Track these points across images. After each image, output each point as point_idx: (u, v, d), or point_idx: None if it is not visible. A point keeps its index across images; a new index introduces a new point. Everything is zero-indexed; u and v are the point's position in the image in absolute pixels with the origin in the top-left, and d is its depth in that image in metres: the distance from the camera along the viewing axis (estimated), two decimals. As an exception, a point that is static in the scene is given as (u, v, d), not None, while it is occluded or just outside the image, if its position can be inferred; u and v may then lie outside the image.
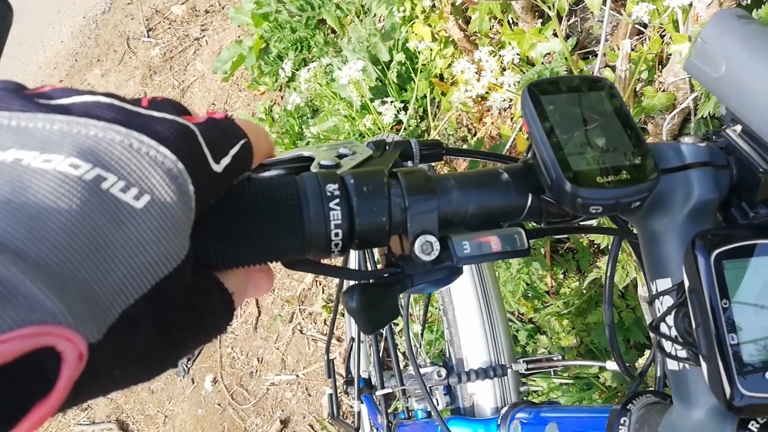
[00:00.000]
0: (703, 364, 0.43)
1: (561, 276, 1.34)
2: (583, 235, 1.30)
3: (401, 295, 0.58)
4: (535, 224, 0.50)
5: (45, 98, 0.27)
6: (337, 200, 0.40)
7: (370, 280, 0.47)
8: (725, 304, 0.42)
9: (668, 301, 0.48)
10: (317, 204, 0.39)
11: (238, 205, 0.38)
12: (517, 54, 0.89)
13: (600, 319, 1.21)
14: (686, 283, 0.44)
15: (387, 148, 0.54)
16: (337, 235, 0.40)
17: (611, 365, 0.82)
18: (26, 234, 0.21)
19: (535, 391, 1.34)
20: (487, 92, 0.91)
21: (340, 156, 0.49)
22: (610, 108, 0.47)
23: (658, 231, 0.48)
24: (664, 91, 1.01)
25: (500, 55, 0.89)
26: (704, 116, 0.85)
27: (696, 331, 0.43)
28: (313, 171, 0.46)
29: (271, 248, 0.39)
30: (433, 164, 0.84)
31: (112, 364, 0.24)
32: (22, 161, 0.23)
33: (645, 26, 1.21)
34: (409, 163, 0.54)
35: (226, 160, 0.30)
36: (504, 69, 0.89)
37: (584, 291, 1.23)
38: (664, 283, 0.48)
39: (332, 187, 0.40)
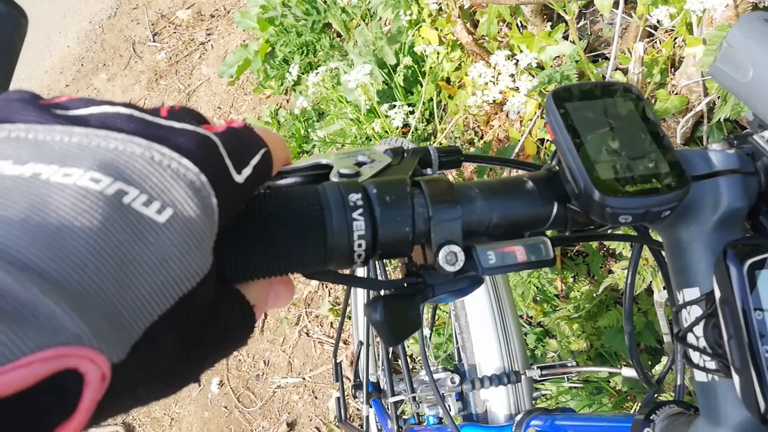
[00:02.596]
0: (735, 377, 0.42)
1: (571, 280, 1.33)
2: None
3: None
4: (557, 232, 0.49)
5: (62, 109, 0.26)
6: (360, 210, 0.39)
7: (391, 291, 0.46)
8: (759, 315, 0.41)
9: (696, 311, 0.47)
10: (340, 214, 0.39)
11: (259, 216, 0.37)
12: (534, 58, 0.89)
13: (610, 323, 1.20)
14: (717, 294, 0.43)
15: (405, 155, 0.53)
16: (360, 245, 0.39)
17: (626, 371, 0.81)
18: (47, 253, 0.20)
19: (543, 395, 1.33)
20: (502, 96, 0.90)
21: (359, 164, 0.48)
22: (637, 114, 0.46)
23: (685, 239, 0.47)
24: (677, 94, 1.00)
25: (516, 60, 0.88)
26: (720, 120, 0.84)
27: (728, 343, 0.42)
28: (333, 180, 0.45)
29: (293, 260, 0.38)
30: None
31: (135, 382, 0.23)
32: (41, 175, 0.22)
33: (655, 28, 1.20)
34: (429, 171, 0.53)
35: (247, 171, 0.29)
36: (513, 75, 0.88)
37: (595, 295, 1.22)
38: (691, 293, 0.47)
39: (355, 197, 0.40)
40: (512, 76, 0.86)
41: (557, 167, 0.47)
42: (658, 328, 1.09)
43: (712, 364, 0.45)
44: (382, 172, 0.47)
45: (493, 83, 0.88)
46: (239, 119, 0.34)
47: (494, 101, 0.90)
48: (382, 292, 0.45)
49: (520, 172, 0.51)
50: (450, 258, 0.42)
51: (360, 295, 1.37)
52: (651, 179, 0.42)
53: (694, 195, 0.45)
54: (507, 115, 1.13)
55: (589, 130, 0.44)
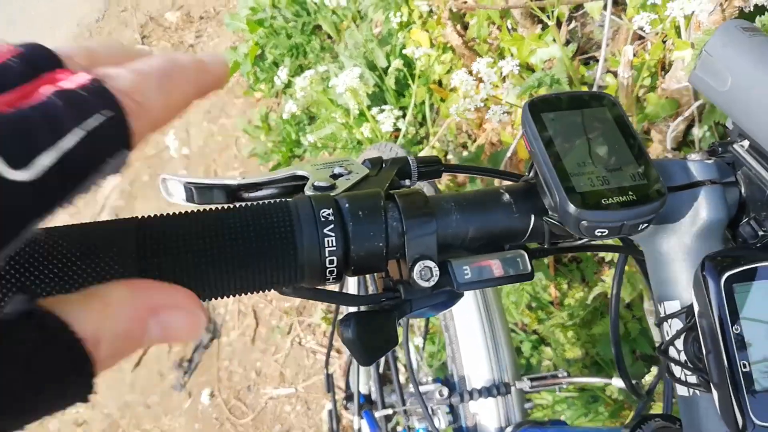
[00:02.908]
0: (714, 392, 0.41)
1: (565, 286, 1.32)
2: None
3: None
4: (537, 243, 0.48)
5: None
6: (331, 226, 0.39)
7: (367, 306, 0.45)
8: (737, 329, 0.40)
9: (677, 324, 0.46)
10: (311, 230, 0.38)
11: (229, 230, 0.36)
12: (517, 65, 0.88)
13: (605, 331, 1.19)
14: (696, 308, 0.42)
15: (383, 166, 0.52)
16: (332, 262, 0.39)
17: (617, 382, 0.80)
18: None
19: (539, 404, 1.32)
20: (486, 103, 0.90)
21: (335, 176, 0.47)
22: (614, 124, 0.45)
23: (665, 251, 0.47)
24: (667, 97, 1.00)
25: (499, 66, 0.87)
26: (710, 124, 0.83)
27: (707, 358, 0.41)
28: (306, 193, 0.44)
29: (263, 277, 0.37)
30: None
31: None
32: None
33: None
34: (407, 182, 0.53)
35: (42, 162, 0.21)
36: (504, 78, 0.87)
37: (589, 302, 1.21)
38: (672, 306, 0.46)
39: (326, 212, 0.39)
40: (500, 78, 0.85)
41: (534, 179, 0.46)
42: (653, 334, 1.09)
43: (693, 379, 0.45)
44: (358, 185, 0.46)
45: (475, 92, 0.87)
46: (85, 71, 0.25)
47: (479, 108, 0.89)
48: (355, 308, 0.44)
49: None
50: (425, 273, 0.41)
51: (351, 303, 1.36)
52: (627, 192, 0.41)
53: (673, 206, 0.45)
54: (500, 122, 1.12)
55: (565, 141, 0.43)
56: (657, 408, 0.87)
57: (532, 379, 0.85)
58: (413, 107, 1.69)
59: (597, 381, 0.83)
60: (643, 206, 0.40)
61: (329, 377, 1.31)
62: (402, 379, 1.27)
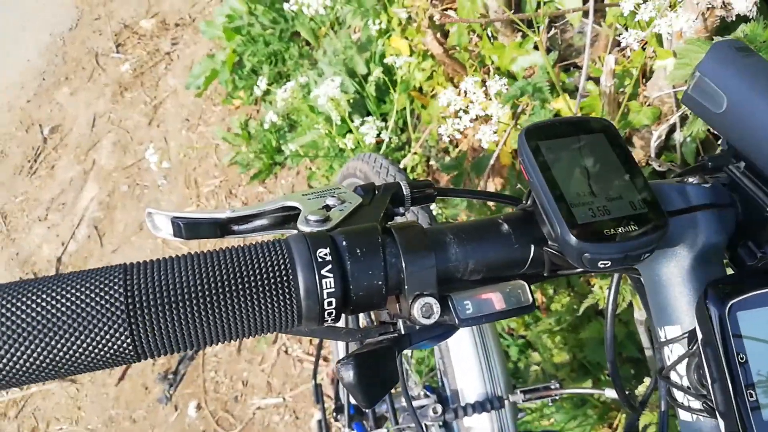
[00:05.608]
0: (720, 421, 0.41)
1: (551, 291, 1.32)
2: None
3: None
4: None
5: None
6: (329, 266, 0.37)
7: (365, 342, 0.45)
8: (742, 358, 0.40)
9: (678, 349, 0.46)
10: (308, 272, 0.37)
11: (222, 277, 0.35)
12: (505, 84, 0.87)
13: (592, 335, 1.20)
14: (699, 335, 0.42)
15: (376, 192, 0.51)
16: (330, 303, 0.38)
17: (610, 393, 0.80)
18: None
19: (528, 408, 1.32)
20: (474, 125, 0.89)
21: (328, 207, 0.46)
22: (612, 152, 0.45)
23: (665, 276, 0.46)
24: (649, 105, 1.00)
25: (486, 86, 0.87)
26: (692, 133, 0.83)
27: (712, 387, 0.41)
28: (300, 227, 0.43)
29: (258, 323, 0.36)
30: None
31: None
32: None
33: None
34: (401, 209, 0.52)
35: None
36: (489, 94, 0.86)
37: (575, 307, 1.21)
38: (673, 331, 0.46)
39: (323, 252, 0.38)
40: (486, 102, 0.85)
41: (532, 207, 0.46)
42: (639, 338, 1.09)
43: (696, 404, 0.45)
44: (352, 216, 0.45)
45: (464, 111, 0.87)
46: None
47: (465, 129, 0.89)
48: (355, 346, 0.43)
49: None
50: (426, 310, 0.40)
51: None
52: (629, 222, 0.40)
53: (672, 231, 0.44)
54: (481, 125, 1.12)
55: (564, 169, 0.43)
56: (647, 418, 0.87)
57: (524, 392, 0.85)
58: (394, 114, 1.68)
59: (590, 392, 0.83)
60: (646, 236, 0.40)
61: (318, 388, 1.30)
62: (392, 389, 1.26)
